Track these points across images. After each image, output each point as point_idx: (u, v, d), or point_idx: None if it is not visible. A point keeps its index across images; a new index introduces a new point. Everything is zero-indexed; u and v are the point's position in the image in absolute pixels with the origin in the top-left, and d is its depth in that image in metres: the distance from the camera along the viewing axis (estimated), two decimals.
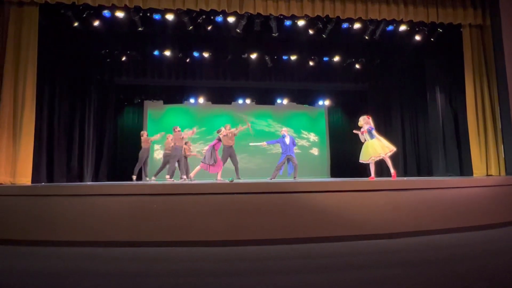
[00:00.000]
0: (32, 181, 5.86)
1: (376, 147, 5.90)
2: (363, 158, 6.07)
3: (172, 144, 7.47)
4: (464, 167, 7.77)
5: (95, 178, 9.11)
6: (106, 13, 7.19)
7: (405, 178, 6.80)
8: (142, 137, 8.38)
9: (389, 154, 5.96)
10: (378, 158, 5.97)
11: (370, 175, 6.17)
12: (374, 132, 6.02)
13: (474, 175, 6.96)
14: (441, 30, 7.88)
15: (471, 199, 4.88)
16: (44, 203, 4.23)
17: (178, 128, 7.50)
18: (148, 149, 8.45)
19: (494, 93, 7.09)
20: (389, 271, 2.85)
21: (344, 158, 11.63)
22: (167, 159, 7.90)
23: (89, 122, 8.89)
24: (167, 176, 7.33)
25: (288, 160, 7.17)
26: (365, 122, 6.10)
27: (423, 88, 9.11)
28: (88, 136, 8.80)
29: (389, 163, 6.00)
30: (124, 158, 11.06)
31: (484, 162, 6.99)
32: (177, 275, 2.84)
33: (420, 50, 8.90)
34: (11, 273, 2.95)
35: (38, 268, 3.10)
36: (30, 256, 3.59)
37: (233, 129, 7.38)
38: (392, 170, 6.01)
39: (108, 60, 9.40)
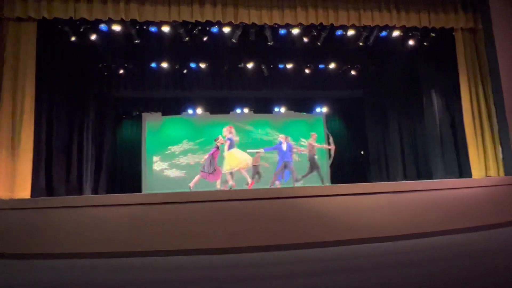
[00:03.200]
0: (31, 195, 5.84)
1: (231, 159, 6.16)
2: (223, 168, 6.31)
3: None
4: (463, 169, 7.77)
5: (95, 191, 9.08)
6: (103, 27, 7.28)
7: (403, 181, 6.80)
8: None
9: (245, 167, 6.22)
10: (234, 170, 6.19)
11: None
12: (227, 143, 6.29)
13: (473, 176, 6.96)
14: (434, 35, 7.98)
15: (470, 200, 4.89)
16: (43, 215, 4.23)
17: (289, 138, 7.78)
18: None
19: (489, 94, 7.14)
20: (390, 273, 2.84)
21: (344, 164, 11.62)
22: None
23: (88, 136, 8.90)
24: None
25: (285, 166, 7.19)
26: (228, 132, 6.28)
27: (419, 92, 9.18)
28: (87, 149, 8.81)
29: (244, 174, 6.26)
30: (123, 171, 11.05)
31: (482, 164, 6.99)
32: (177, 284, 2.82)
33: (414, 55, 8.99)
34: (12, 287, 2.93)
35: (40, 282, 3.08)
36: (31, 270, 3.57)
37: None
38: (248, 180, 6.23)
39: (105, 73, 9.47)
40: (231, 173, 6.45)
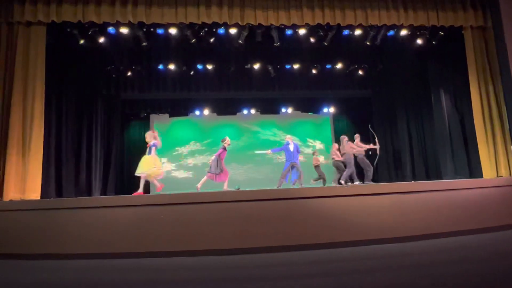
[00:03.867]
0: (41, 197, 5.91)
1: (144, 164, 6.00)
2: (137, 171, 6.11)
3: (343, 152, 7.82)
4: (473, 169, 7.66)
5: (103, 192, 9.17)
6: (110, 29, 7.36)
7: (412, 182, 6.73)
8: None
9: (156, 177, 6.12)
10: (144, 175, 6.02)
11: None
12: (154, 149, 6.13)
13: (484, 176, 6.84)
14: (442, 33, 7.88)
15: (481, 201, 4.81)
16: (53, 216, 4.28)
17: (346, 138, 7.92)
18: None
19: (499, 93, 7.02)
20: (400, 274, 2.80)
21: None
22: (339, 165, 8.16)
23: (96, 137, 9.00)
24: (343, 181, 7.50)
25: (293, 167, 7.18)
26: (152, 137, 6.24)
27: (427, 91, 9.07)
28: (95, 151, 8.91)
29: (143, 181, 6.06)
30: (131, 172, 11.12)
31: (493, 163, 6.87)
32: (185, 284, 2.83)
33: (423, 54, 8.90)
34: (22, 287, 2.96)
35: (48, 282, 3.11)
36: (40, 270, 3.61)
37: None
38: (140, 190, 6.00)
39: (114, 75, 9.56)
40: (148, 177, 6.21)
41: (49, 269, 3.64)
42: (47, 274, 3.40)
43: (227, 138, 7.22)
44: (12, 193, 5.55)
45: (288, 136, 7.66)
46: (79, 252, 4.04)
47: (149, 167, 6.01)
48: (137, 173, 6.10)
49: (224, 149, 7.05)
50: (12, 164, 5.63)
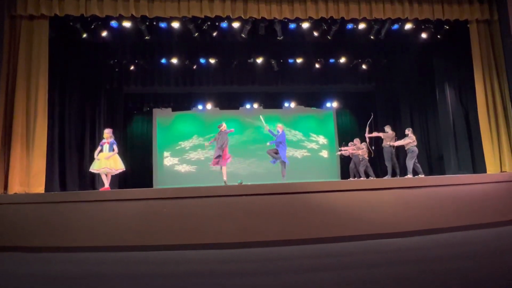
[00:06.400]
0: (46, 190, 5.95)
1: (101, 161, 6.08)
2: (93, 167, 6.20)
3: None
4: (477, 164, 7.62)
5: None
6: (113, 23, 7.34)
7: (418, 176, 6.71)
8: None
9: (109, 171, 6.21)
10: (100, 171, 6.16)
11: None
12: (115, 146, 6.23)
13: (487, 172, 6.81)
14: (447, 27, 7.80)
15: (484, 196, 4.79)
16: (57, 210, 4.31)
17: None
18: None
19: (505, 88, 6.97)
20: (400, 269, 2.81)
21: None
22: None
23: (100, 131, 9.00)
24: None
25: (276, 153, 7.31)
26: (110, 135, 6.33)
27: (432, 86, 9.00)
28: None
29: (104, 178, 6.22)
30: (134, 166, 11.18)
31: (497, 159, 6.84)
32: (187, 277, 2.85)
33: (428, 48, 8.81)
34: (27, 279, 3.00)
35: (53, 274, 3.15)
36: (45, 263, 3.65)
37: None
38: (106, 185, 6.19)
39: (116, 69, 9.55)
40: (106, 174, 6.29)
41: (53, 261, 3.67)
42: (51, 267, 3.44)
43: (223, 124, 7.39)
44: (16, 187, 5.59)
45: (279, 124, 7.73)
46: (82, 245, 4.07)
47: (100, 164, 6.08)
48: (96, 170, 6.18)
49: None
50: (16, 158, 5.67)
